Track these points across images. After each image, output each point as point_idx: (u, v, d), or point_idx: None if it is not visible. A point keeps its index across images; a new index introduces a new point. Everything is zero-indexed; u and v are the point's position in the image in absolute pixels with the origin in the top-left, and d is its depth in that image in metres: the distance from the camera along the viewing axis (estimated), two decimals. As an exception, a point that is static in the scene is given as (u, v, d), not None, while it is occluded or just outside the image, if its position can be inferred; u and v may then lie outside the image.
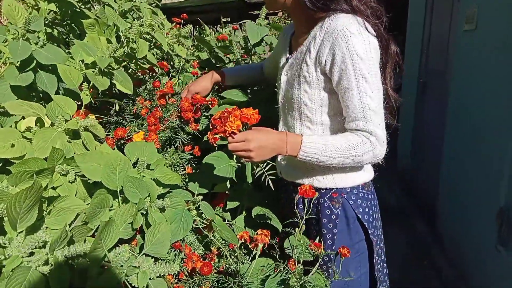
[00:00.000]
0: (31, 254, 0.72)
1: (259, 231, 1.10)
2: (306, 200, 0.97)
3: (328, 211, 1.08)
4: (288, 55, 1.13)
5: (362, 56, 0.90)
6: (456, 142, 2.60)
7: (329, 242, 1.08)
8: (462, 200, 2.46)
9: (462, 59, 2.54)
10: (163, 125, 1.29)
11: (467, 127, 2.41)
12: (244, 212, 1.27)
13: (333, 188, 1.07)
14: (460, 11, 2.57)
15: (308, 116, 1.04)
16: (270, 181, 0.99)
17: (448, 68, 2.83)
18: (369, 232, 1.08)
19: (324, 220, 1.08)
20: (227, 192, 1.28)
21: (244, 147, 0.90)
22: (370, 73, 0.92)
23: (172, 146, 1.33)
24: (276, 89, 1.22)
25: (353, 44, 0.90)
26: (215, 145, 0.95)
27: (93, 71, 1.29)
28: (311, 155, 0.95)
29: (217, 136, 0.91)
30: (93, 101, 1.35)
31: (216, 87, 1.47)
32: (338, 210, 1.07)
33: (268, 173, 0.99)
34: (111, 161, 0.89)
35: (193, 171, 1.25)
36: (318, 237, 1.04)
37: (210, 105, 1.37)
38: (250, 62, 1.80)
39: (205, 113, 1.40)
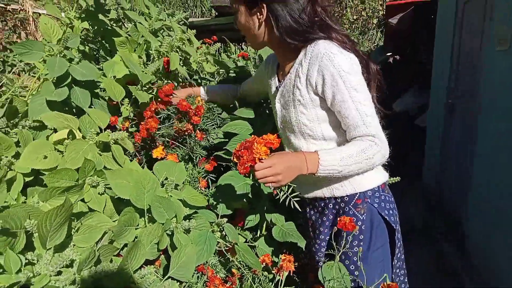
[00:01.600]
0: (59, 273, 0.72)
1: (282, 257, 1.08)
2: (345, 233, 0.98)
3: (353, 219, 1.06)
4: (277, 84, 1.21)
5: (348, 71, 0.99)
6: (486, 162, 2.51)
7: (355, 249, 1.10)
8: (493, 220, 2.35)
9: (494, 80, 2.46)
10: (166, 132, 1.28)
11: (499, 147, 2.32)
12: (264, 231, 1.26)
13: (355, 194, 1.12)
14: (492, 30, 2.50)
15: (310, 134, 1.11)
16: (295, 203, 1.00)
17: (478, 89, 2.75)
18: (395, 234, 1.13)
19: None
20: (246, 211, 1.26)
21: (272, 171, 0.92)
22: (358, 84, 1.01)
23: (190, 163, 1.33)
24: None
25: (338, 62, 0.99)
26: (246, 175, 0.94)
27: (136, 88, 1.32)
28: (329, 167, 0.99)
29: (248, 165, 0.91)
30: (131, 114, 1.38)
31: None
32: (363, 216, 1.11)
33: (291, 195, 1.00)
34: (140, 179, 0.89)
35: (207, 185, 1.26)
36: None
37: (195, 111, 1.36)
38: None
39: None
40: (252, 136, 0.93)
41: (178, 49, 1.32)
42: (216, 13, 4.41)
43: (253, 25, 1.11)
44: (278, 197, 1.00)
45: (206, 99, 1.48)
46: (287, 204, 0.99)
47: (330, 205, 1.16)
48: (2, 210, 0.72)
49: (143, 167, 1.33)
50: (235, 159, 0.93)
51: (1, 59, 3.79)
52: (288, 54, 1.12)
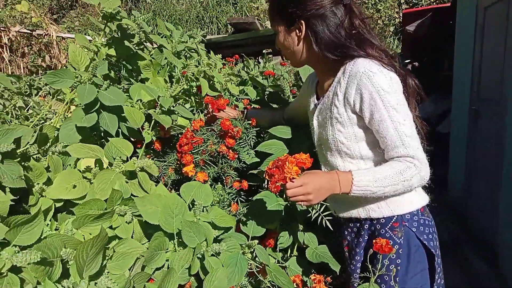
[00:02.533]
0: (95, 301, 0.73)
1: (312, 277, 1.06)
2: (381, 256, 0.96)
3: (390, 242, 1.03)
4: (316, 101, 1.21)
5: (387, 90, 0.98)
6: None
7: (391, 273, 1.05)
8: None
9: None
10: (198, 152, 1.28)
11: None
12: (295, 251, 1.23)
13: (392, 217, 1.08)
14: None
15: (347, 152, 1.09)
16: (327, 222, 0.99)
17: (504, 96, 2.67)
18: (435, 259, 1.08)
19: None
20: (277, 230, 1.25)
21: (303, 191, 0.91)
22: (398, 104, 0.99)
23: (219, 182, 1.33)
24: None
25: (377, 81, 0.98)
26: (276, 194, 0.94)
27: (155, 111, 1.34)
28: (363, 188, 0.96)
29: (278, 184, 0.91)
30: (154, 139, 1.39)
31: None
32: (401, 239, 1.07)
33: (323, 214, 0.99)
34: (168, 204, 0.90)
35: (239, 207, 1.25)
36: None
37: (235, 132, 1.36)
38: None
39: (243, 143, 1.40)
40: (285, 154, 0.93)
41: (204, 73, 1.33)
42: (233, 29, 4.48)
43: (292, 42, 1.12)
44: (310, 215, 0.99)
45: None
46: (319, 222, 0.98)
47: (366, 226, 1.12)
48: (40, 240, 0.74)
49: (169, 189, 1.34)
50: (267, 177, 0.93)
51: (28, 83, 3.94)
52: (327, 71, 1.13)
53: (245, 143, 1.34)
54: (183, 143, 1.19)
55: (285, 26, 1.12)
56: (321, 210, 1.00)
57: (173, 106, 1.35)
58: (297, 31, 1.10)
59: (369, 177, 0.97)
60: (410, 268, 1.06)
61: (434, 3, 8.55)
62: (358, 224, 1.15)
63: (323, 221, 0.98)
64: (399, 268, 1.05)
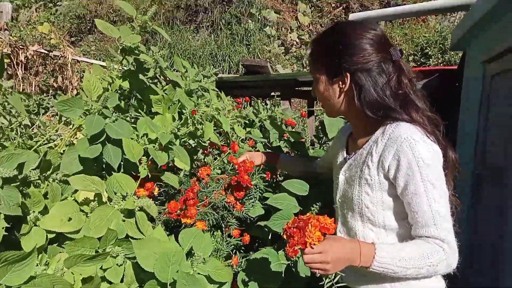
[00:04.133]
0: None
1: None
2: None
3: None
4: (345, 155, 1.15)
5: (428, 163, 0.91)
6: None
7: None
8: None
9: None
10: (206, 201, 1.25)
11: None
12: None
13: None
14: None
15: (370, 218, 1.02)
16: None
17: (509, 163, 2.67)
18: None
19: None
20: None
21: (322, 259, 0.85)
22: (436, 179, 0.92)
23: (219, 230, 1.29)
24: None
25: (419, 151, 0.92)
26: (293, 258, 0.88)
27: (154, 146, 1.33)
28: (385, 266, 0.90)
29: (297, 248, 0.84)
30: (149, 175, 1.37)
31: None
32: None
33: (337, 285, 0.92)
34: (166, 251, 0.87)
35: (239, 261, 1.19)
36: None
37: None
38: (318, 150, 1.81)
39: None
40: (307, 214, 0.87)
41: (212, 117, 1.34)
42: (245, 70, 4.59)
43: (333, 94, 1.06)
44: (322, 283, 0.91)
45: (279, 168, 1.42)
46: None
47: None
48: (29, 280, 0.70)
49: (165, 229, 1.30)
50: (284, 236, 0.87)
51: (37, 102, 3.98)
52: (364, 127, 1.06)
53: (252, 195, 1.30)
54: (189, 197, 1.15)
55: (327, 76, 1.06)
56: (335, 280, 0.92)
57: (173, 144, 1.34)
58: (340, 83, 1.04)
59: (393, 254, 0.90)
60: None
61: (442, 64, 8.80)
62: None
63: None
64: None
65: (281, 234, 0.91)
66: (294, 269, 1.11)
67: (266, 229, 1.20)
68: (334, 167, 1.19)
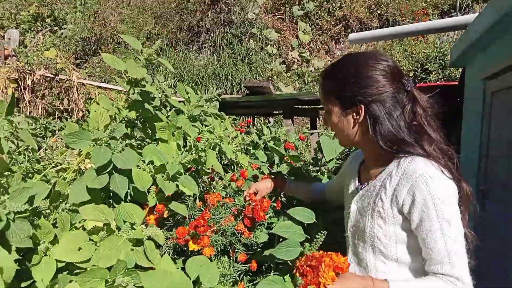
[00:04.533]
0: None
1: None
2: None
3: None
4: (357, 184, 1.14)
5: (443, 200, 0.91)
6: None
7: None
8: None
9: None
10: (214, 228, 1.27)
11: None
12: None
13: None
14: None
15: (382, 251, 1.01)
16: None
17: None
18: None
19: None
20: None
21: None
22: (452, 217, 0.92)
23: (225, 256, 1.30)
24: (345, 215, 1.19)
25: (434, 188, 0.91)
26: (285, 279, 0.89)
27: (162, 176, 1.36)
28: None
29: None
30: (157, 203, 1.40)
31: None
32: None
33: None
34: (174, 283, 0.89)
35: (246, 286, 1.21)
36: None
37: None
38: (319, 174, 1.83)
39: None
40: (320, 252, 0.88)
41: (215, 145, 1.37)
42: (247, 91, 4.67)
43: (347, 125, 1.05)
44: None
45: (287, 193, 1.42)
46: None
47: None
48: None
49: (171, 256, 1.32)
50: (297, 274, 0.88)
51: (44, 125, 4.04)
52: (378, 158, 1.05)
53: (260, 224, 1.32)
54: (199, 224, 1.16)
55: (341, 107, 1.05)
56: None
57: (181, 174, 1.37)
58: (354, 114, 1.03)
59: None
60: None
61: (442, 80, 8.86)
62: None
63: None
64: None
65: (294, 271, 0.91)
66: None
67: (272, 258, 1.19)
68: (345, 195, 1.18)
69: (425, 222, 0.92)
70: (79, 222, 1.28)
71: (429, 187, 0.91)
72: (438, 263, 0.91)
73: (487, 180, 3.25)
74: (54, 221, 1.22)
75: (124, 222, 1.13)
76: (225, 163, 1.90)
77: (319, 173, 1.75)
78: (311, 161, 1.81)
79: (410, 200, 0.93)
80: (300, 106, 4.62)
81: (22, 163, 1.86)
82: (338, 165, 1.75)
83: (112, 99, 1.74)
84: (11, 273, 0.84)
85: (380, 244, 1.00)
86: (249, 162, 1.85)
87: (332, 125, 1.10)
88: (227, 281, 1.20)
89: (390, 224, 0.98)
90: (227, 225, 1.23)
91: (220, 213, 1.29)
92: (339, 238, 1.20)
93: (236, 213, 1.32)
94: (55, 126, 4.15)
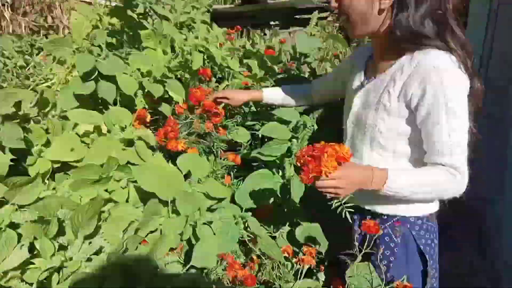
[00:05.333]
0: (89, 259, 0.78)
1: (305, 248, 1.03)
2: (368, 235, 0.96)
3: (387, 238, 1.04)
4: (363, 79, 1.11)
5: (455, 94, 0.90)
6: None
7: (384, 268, 1.02)
8: None
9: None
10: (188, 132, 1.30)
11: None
12: (288, 226, 1.25)
13: (396, 216, 1.05)
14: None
15: (380, 143, 1.02)
16: (347, 214, 0.92)
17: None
18: (428, 264, 1.04)
19: (382, 246, 1.04)
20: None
21: (335, 184, 0.86)
22: (460, 110, 0.91)
23: (212, 155, 1.35)
24: (344, 110, 1.18)
25: (447, 81, 0.89)
26: (308, 184, 0.87)
27: (148, 80, 1.35)
28: (395, 190, 0.93)
29: (312, 176, 0.85)
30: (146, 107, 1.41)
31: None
32: (398, 239, 1.03)
33: (346, 205, 0.92)
34: (165, 174, 0.94)
35: (232, 180, 1.28)
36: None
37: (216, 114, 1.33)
38: (298, 71, 1.79)
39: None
40: (322, 143, 0.87)
41: (202, 47, 1.33)
42: (240, 1, 4.41)
43: (371, 8, 0.96)
44: (331, 203, 0.92)
45: (268, 103, 1.40)
46: (338, 212, 0.91)
47: (368, 217, 1.07)
48: (38, 201, 0.78)
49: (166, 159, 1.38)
50: (298, 164, 0.88)
51: (29, 43, 3.90)
52: (390, 51, 1.01)
53: (232, 121, 1.36)
54: (167, 131, 1.17)
55: None
56: (344, 201, 0.91)
57: (168, 78, 1.36)
58: None
59: (405, 181, 0.93)
60: (408, 268, 1.04)
61: None
62: (359, 216, 1.11)
63: (344, 212, 0.91)
64: (391, 265, 1.03)
65: (295, 162, 0.92)
66: (288, 185, 1.17)
67: (261, 156, 1.23)
68: (348, 90, 1.16)
69: (433, 115, 0.91)
70: (72, 129, 1.31)
71: (442, 80, 0.89)
72: (440, 154, 0.93)
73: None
74: (46, 129, 1.24)
75: (114, 125, 1.15)
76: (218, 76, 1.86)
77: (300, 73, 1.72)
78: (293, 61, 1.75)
79: (419, 94, 0.92)
80: (298, 16, 4.41)
81: (11, 81, 1.84)
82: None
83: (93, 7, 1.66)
84: (5, 168, 0.88)
85: (380, 137, 1.01)
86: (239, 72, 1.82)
87: (352, 7, 0.99)
88: (217, 177, 1.26)
89: (394, 117, 0.98)
90: (198, 127, 1.26)
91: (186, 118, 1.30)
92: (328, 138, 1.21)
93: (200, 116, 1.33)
94: (41, 44, 3.99)
